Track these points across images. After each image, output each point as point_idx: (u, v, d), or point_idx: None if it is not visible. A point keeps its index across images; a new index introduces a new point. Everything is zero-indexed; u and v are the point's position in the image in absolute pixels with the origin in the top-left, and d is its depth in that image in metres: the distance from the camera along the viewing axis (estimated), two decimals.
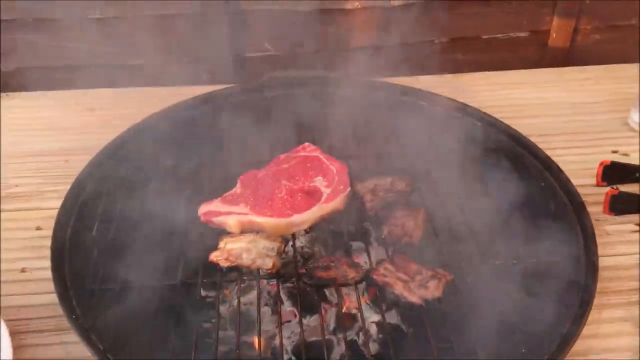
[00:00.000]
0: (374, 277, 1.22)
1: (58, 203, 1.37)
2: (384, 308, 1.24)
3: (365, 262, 1.33)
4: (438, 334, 1.15)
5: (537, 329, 1.13)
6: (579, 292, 1.16)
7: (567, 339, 1.09)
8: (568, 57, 2.24)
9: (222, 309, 1.30)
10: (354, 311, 1.33)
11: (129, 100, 1.84)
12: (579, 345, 1.13)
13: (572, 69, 2.05)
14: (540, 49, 2.22)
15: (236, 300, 1.34)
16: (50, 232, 1.32)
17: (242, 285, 1.26)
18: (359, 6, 2.10)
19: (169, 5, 2.03)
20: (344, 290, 1.29)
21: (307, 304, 1.29)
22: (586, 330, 1.15)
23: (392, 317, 1.31)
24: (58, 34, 2.05)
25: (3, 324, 1.14)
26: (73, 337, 1.15)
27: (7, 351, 1.10)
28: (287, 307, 1.34)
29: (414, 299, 1.17)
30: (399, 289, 1.18)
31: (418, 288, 1.18)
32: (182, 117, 1.58)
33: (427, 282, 1.19)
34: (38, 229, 1.43)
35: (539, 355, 1.06)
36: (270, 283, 1.37)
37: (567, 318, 1.12)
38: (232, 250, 1.26)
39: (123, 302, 1.19)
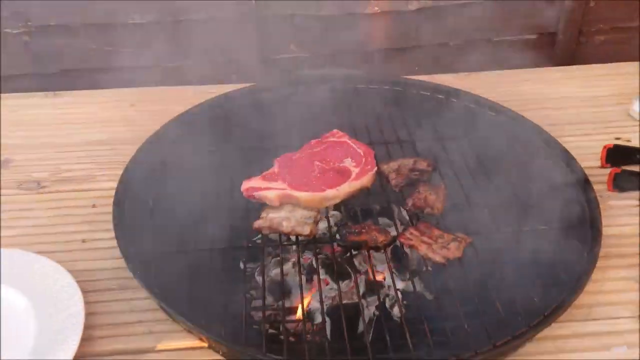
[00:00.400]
0: (401, 240, 1.34)
1: (110, 184, 1.50)
2: (409, 275, 1.35)
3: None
4: (462, 296, 1.25)
5: (546, 282, 1.25)
6: (585, 252, 1.28)
7: (573, 292, 1.21)
8: (574, 57, 2.37)
9: (260, 279, 1.39)
10: (381, 277, 1.46)
11: (167, 97, 1.94)
12: (584, 299, 1.26)
13: (578, 67, 2.14)
14: (547, 49, 2.36)
15: (272, 271, 1.48)
16: (105, 209, 1.45)
17: (280, 255, 1.37)
18: (378, 10, 2.24)
19: (201, 10, 2.18)
20: (372, 261, 1.42)
21: (338, 272, 1.40)
22: (592, 287, 1.28)
23: (417, 284, 1.42)
24: (100, 38, 2.20)
25: (75, 283, 1.28)
26: (135, 293, 1.29)
27: (80, 305, 1.24)
28: (320, 275, 1.46)
29: (437, 258, 1.28)
30: (423, 250, 1.30)
31: (440, 249, 1.30)
32: (221, 109, 1.72)
33: (448, 244, 1.30)
34: (94, 206, 1.53)
35: (550, 303, 1.19)
36: (304, 257, 1.50)
37: (575, 273, 1.25)
38: (273, 219, 1.38)
39: (178, 263, 1.31)
